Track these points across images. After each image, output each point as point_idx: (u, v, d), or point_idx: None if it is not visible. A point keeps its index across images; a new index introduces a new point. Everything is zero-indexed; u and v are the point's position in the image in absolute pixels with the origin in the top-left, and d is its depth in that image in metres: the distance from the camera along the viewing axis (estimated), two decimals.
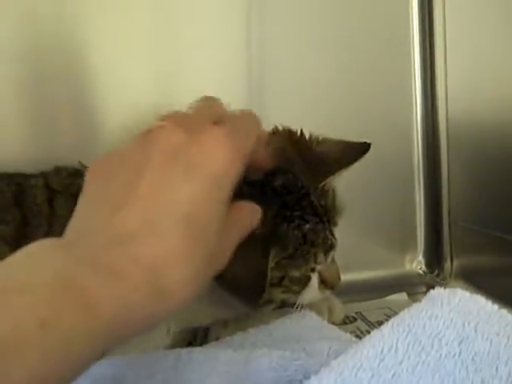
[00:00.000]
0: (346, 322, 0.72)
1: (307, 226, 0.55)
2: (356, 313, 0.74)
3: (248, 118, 0.47)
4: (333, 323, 0.64)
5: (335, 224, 0.59)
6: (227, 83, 0.82)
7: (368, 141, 0.60)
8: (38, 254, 0.36)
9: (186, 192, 0.39)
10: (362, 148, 0.59)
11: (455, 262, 0.88)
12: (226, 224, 0.42)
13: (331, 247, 0.59)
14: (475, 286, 0.81)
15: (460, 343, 0.40)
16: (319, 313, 0.62)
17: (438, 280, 0.86)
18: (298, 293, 0.59)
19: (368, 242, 0.87)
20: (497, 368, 0.38)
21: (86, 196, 0.42)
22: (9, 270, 0.34)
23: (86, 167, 0.64)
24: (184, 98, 0.74)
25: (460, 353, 0.39)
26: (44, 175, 0.65)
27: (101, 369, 0.46)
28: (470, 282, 0.84)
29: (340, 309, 0.69)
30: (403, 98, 0.89)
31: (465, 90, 0.84)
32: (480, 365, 0.38)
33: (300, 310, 0.61)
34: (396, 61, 0.89)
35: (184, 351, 0.48)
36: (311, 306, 0.62)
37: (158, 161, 0.40)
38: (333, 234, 0.59)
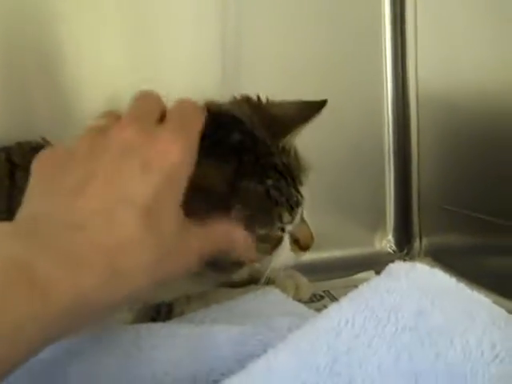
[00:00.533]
0: (312, 299, 0.72)
1: (269, 181, 0.54)
2: (323, 291, 0.75)
3: (188, 107, 0.48)
4: (299, 301, 0.63)
5: (301, 183, 0.58)
6: (202, 64, 0.81)
7: (325, 98, 0.60)
8: None
9: (142, 186, 0.41)
10: (318, 105, 0.59)
11: (424, 241, 0.89)
12: (193, 232, 0.44)
13: (297, 205, 0.57)
14: (444, 265, 0.82)
15: (416, 316, 0.40)
16: (285, 290, 0.62)
17: (406, 259, 0.87)
18: (270, 253, 0.58)
19: (338, 221, 0.88)
20: (452, 341, 0.38)
21: (36, 185, 0.43)
22: None
23: (48, 142, 0.63)
24: (159, 74, 0.74)
25: (416, 326, 0.39)
26: (6, 150, 0.65)
27: (61, 343, 0.46)
28: (438, 261, 0.85)
29: (307, 286, 0.69)
30: (374, 79, 0.89)
31: (435, 69, 0.84)
32: (436, 338, 0.38)
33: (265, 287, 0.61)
34: (367, 44, 0.89)
35: (144, 327, 0.47)
36: (277, 284, 0.62)
37: (113, 155, 0.42)
38: (299, 192, 0.58)
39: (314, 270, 0.80)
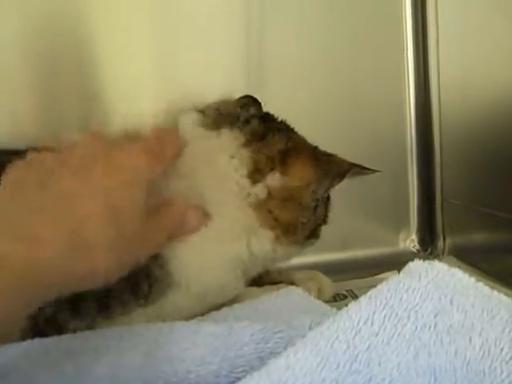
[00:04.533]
0: (336, 299, 0.72)
1: None
2: (347, 290, 0.74)
3: (166, 134, 0.55)
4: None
5: None
6: (226, 75, 0.81)
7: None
8: None
9: (107, 183, 0.46)
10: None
11: (448, 240, 0.89)
12: (153, 218, 0.49)
13: None
14: (467, 264, 0.81)
15: (436, 315, 0.40)
16: (308, 292, 0.62)
17: (430, 258, 0.87)
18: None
19: (362, 221, 0.88)
20: (470, 339, 0.38)
21: (4, 195, 0.45)
22: None
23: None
24: (183, 88, 0.75)
25: (435, 325, 0.39)
26: None
27: (85, 340, 0.47)
28: (462, 260, 0.84)
29: (329, 287, 0.69)
30: (396, 75, 0.89)
31: (457, 68, 0.83)
32: (454, 336, 0.39)
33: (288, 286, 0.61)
34: (389, 44, 0.89)
35: (165, 325, 0.48)
36: (299, 285, 0.63)
37: (81, 158, 0.47)
38: None
39: (337, 270, 0.81)
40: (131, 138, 0.53)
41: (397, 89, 0.89)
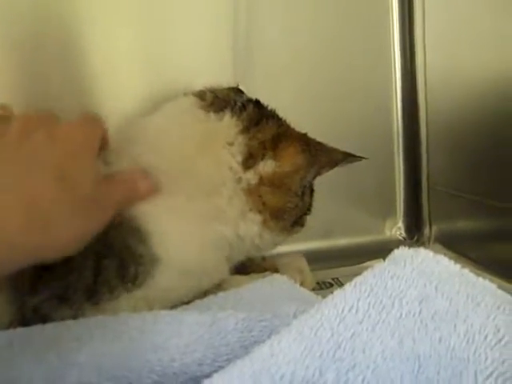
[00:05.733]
0: (322, 287, 0.72)
1: None
2: (333, 278, 0.74)
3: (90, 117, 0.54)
4: None
5: None
6: (213, 63, 0.81)
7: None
8: None
9: (54, 153, 0.47)
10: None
11: (434, 228, 0.89)
12: (105, 183, 0.50)
13: None
14: (454, 251, 0.82)
15: (420, 302, 0.40)
16: (293, 278, 0.62)
17: (417, 246, 0.86)
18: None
19: (348, 209, 0.88)
20: (455, 326, 0.38)
21: None
22: None
23: None
24: (169, 77, 0.74)
25: (420, 312, 0.39)
26: None
27: (69, 328, 0.47)
28: (448, 248, 0.84)
29: (311, 276, 0.69)
30: (383, 66, 0.88)
31: (443, 57, 0.83)
32: (439, 323, 0.39)
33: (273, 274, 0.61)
34: (376, 32, 0.88)
35: (149, 314, 0.48)
36: (284, 272, 0.63)
37: (26, 133, 0.47)
38: None
39: (323, 258, 0.81)
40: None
41: (383, 77, 0.88)
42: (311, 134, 0.63)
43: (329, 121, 0.85)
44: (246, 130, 0.59)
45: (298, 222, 0.63)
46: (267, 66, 0.82)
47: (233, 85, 0.67)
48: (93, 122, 0.54)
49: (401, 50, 0.88)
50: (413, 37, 0.87)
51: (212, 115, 0.59)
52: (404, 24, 0.87)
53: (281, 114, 0.64)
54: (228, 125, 0.59)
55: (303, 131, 0.63)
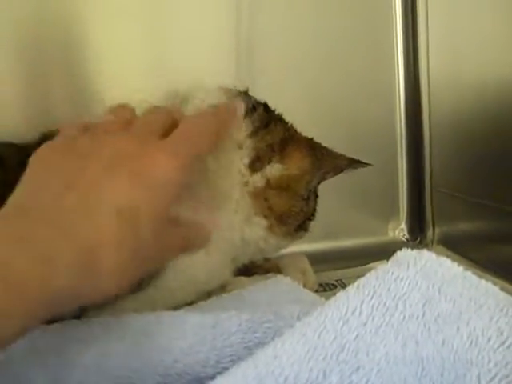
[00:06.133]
0: (325, 289, 0.72)
1: None
2: (336, 280, 0.74)
3: (200, 121, 0.51)
4: None
5: None
6: (216, 65, 0.81)
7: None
8: None
9: (127, 191, 0.43)
10: None
11: (437, 229, 0.89)
12: (169, 234, 0.47)
13: None
14: (457, 253, 0.82)
15: (424, 305, 0.40)
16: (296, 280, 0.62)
17: (420, 247, 0.86)
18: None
19: (351, 210, 0.88)
20: (458, 328, 0.38)
21: (29, 179, 0.44)
22: None
23: None
24: (173, 76, 0.74)
25: (423, 314, 0.39)
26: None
27: (71, 330, 0.47)
28: (451, 249, 0.84)
29: (313, 277, 0.69)
30: (387, 68, 0.88)
31: (446, 60, 0.83)
32: (442, 325, 0.38)
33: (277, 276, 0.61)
34: (379, 33, 0.88)
35: (153, 315, 0.48)
36: (287, 273, 0.63)
37: (104, 160, 0.44)
38: None
39: (326, 260, 0.81)
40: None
41: (387, 79, 0.88)
42: (314, 137, 0.63)
43: (332, 123, 0.85)
44: (255, 133, 0.59)
45: (301, 227, 0.63)
46: (270, 68, 0.82)
47: (235, 86, 0.66)
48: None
49: (404, 54, 0.88)
50: (416, 40, 0.87)
51: None
52: (407, 28, 0.88)
53: (283, 115, 0.63)
54: (239, 126, 0.58)
55: (306, 133, 0.63)
